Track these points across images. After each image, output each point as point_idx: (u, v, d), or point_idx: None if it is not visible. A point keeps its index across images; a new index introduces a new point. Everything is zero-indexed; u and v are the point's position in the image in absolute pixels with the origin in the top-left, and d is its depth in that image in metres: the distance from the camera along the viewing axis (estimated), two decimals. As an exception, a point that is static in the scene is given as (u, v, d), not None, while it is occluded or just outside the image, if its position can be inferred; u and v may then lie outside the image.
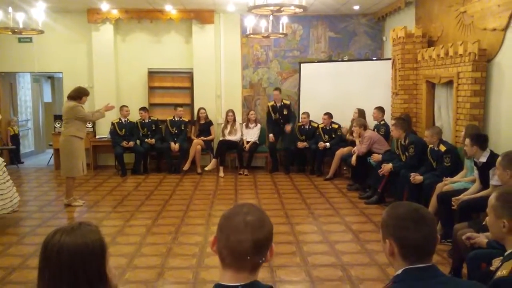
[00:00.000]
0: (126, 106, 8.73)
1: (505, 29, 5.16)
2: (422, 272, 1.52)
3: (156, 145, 8.66)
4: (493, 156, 4.25)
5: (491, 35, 5.40)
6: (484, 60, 5.43)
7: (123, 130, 8.64)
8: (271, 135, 8.63)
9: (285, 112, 8.68)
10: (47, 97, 12.02)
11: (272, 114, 8.73)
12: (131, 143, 8.49)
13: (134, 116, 8.83)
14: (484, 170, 4.32)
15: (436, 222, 4.90)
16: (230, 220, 1.45)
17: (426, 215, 1.57)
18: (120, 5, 8.54)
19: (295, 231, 5.26)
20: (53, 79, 11.99)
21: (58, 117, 9.05)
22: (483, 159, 4.41)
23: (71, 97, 6.25)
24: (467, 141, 4.48)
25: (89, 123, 8.74)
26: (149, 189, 7.43)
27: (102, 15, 8.79)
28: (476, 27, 5.73)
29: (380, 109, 7.60)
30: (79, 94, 6.25)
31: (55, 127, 9.19)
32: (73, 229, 1.51)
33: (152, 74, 9.24)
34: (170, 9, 8.62)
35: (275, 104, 8.74)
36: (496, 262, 2.42)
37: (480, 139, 4.45)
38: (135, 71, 9.23)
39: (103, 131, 9.05)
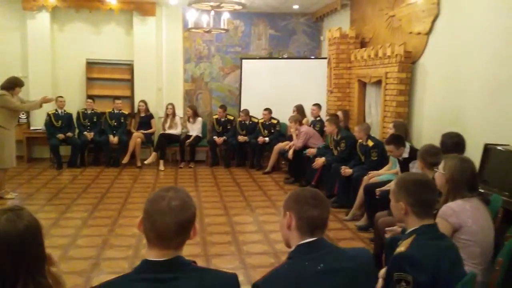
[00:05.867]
0: (61, 97, 8.45)
1: (428, 33, 5.57)
2: (311, 246, 1.73)
3: (94, 138, 8.48)
4: (413, 151, 4.62)
5: (416, 39, 5.81)
6: (409, 62, 5.83)
7: (60, 121, 8.40)
8: (215, 137, 8.75)
9: (228, 126, 8.92)
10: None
11: (216, 126, 8.95)
12: (70, 134, 8.30)
13: (71, 107, 8.61)
14: (405, 164, 4.68)
15: (363, 213, 5.27)
16: (155, 204, 1.58)
17: (323, 199, 1.82)
18: (57, -7, 8.31)
19: (232, 222, 5.42)
20: (-17, 67, 11.38)
21: (-12, 107, 8.64)
22: (405, 154, 4.77)
23: (3, 87, 6.06)
24: (386, 146, 4.83)
25: (23, 114, 8.44)
26: (86, 182, 7.32)
27: (38, 3, 8.48)
28: (404, 30, 6.13)
29: (318, 106, 7.92)
30: (12, 85, 6.06)
31: (-15, 118, 8.76)
32: (5, 213, 1.49)
33: (90, 64, 9.04)
34: (110, 0, 8.47)
35: (219, 118, 8.91)
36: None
37: (393, 141, 4.75)
38: (73, 61, 8.98)
39: (38, 123, 8.75)
